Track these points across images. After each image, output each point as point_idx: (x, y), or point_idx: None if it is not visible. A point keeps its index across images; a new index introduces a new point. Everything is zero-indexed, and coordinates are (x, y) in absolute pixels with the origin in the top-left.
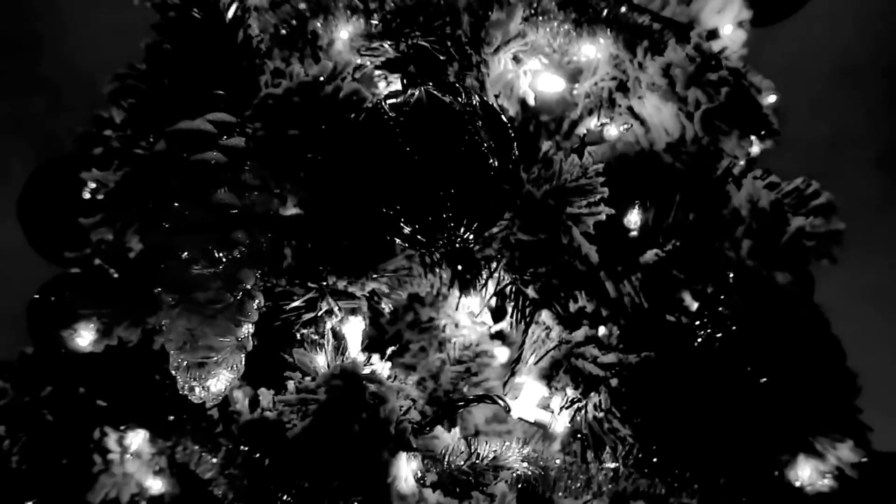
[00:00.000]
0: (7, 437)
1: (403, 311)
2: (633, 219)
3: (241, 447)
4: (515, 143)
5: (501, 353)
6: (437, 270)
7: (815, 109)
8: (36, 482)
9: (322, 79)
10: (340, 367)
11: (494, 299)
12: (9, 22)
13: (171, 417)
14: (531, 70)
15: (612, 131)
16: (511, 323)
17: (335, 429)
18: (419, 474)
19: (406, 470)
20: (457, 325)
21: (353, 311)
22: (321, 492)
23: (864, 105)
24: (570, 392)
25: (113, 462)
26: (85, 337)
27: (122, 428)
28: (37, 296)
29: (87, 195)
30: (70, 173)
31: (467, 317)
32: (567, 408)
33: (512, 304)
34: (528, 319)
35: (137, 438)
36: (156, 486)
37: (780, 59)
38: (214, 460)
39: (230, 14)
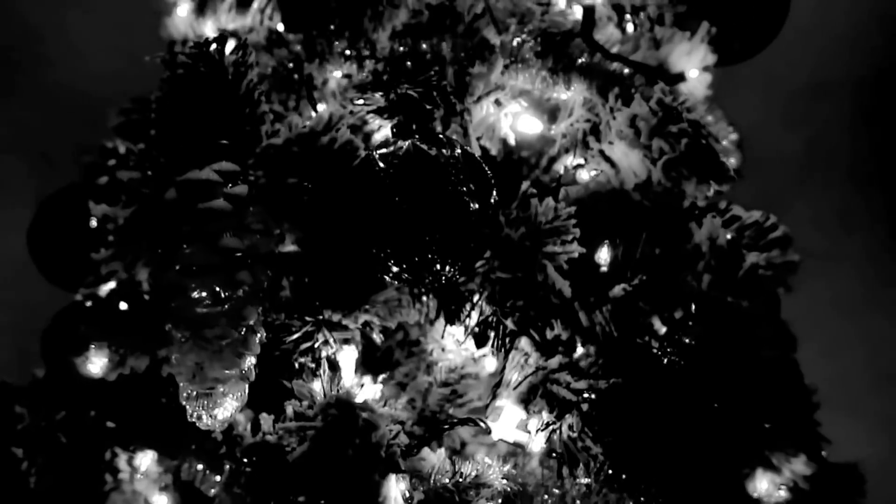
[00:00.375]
0: (25, 458)
1: (394, 332)
2: (604, 255)
3: (244, 467)
4: (494, 190)
5: (487, 367)
6: (425, 300)
7: (789, 125)
8: (52, 501)
9: (318, 129)
10: (336, 398)
11: (477, 328)
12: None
13: (177, 439)
14: (511, 112)
15: (584, 175)
16: (492, 351)
17: (331, 453)
18: (407, 494)
19: (395, 490)
20: (443, 350)
21: (347, 341)
22: None
23: (836, 120)
24: (546, 415)
25: (123, 481)
26: (96, 363)
27: (131, 448)
28: (51, 323)
29: (94, 224)
30: (77, 203)
31: (453, 343)
32: (543, 430)
33: (493, 333)
34: (507, 347)
35: (146, 459)
36: (161, 502)
37: (756, 77)
38: (218, 478)
39: (232, 70)
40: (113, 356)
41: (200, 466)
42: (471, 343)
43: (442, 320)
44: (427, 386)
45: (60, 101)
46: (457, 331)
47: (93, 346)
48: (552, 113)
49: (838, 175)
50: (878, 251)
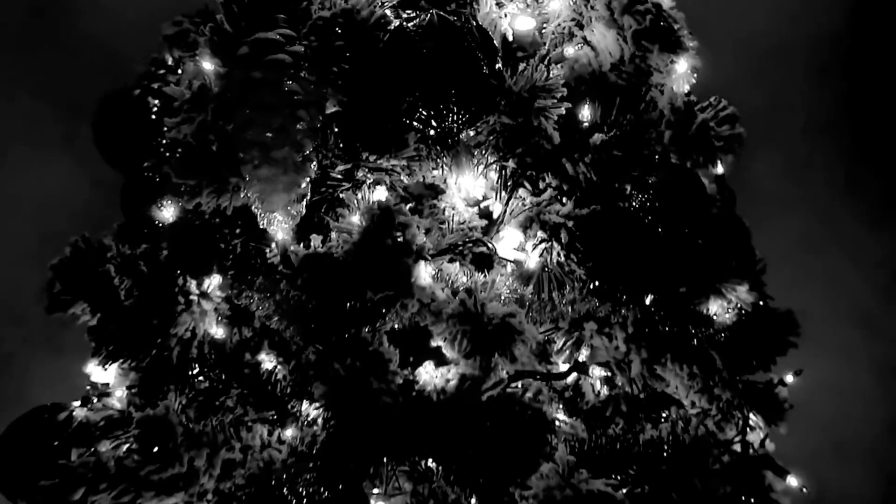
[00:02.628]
0: (116, 275)
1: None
2: (585, 113)
3: (298, 281)
4: (499, 55)
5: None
6: (442, 158)
7: (753, 81)
8: (138, 316)
9: (358, 7)
10: (378, 202)
11: (483, 180)
12: None
13: (239, 269)
14: (510, 13)
15: (569, 50)
16: (496, 196)
17: (374, 244)
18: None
19: (424, 273)
20: (454, 209)
21: (378, 183)
22: (361, 291)
23: (794, 78)
24: (540, 234)
25: (192, 302)
26: (168, 211)
27: (199, 276)
28: (127, 181)
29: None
30: (132, 101)
31: (462, 202)
32: (538, 245)
33: (497, 176)
34: (509, 192)
35: (213, 282)
36: (219, 332)
37: (722, 38)
38: (270, 300)
39: None
40: (186, 195)
41: (257, 291)
42: (478, 192)
43: (454, 174)
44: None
45: (87, 52)
46: (467, 184)
47: (166, 196)
48: (542, 21)
49: (797, 125)
50: (836, 194)
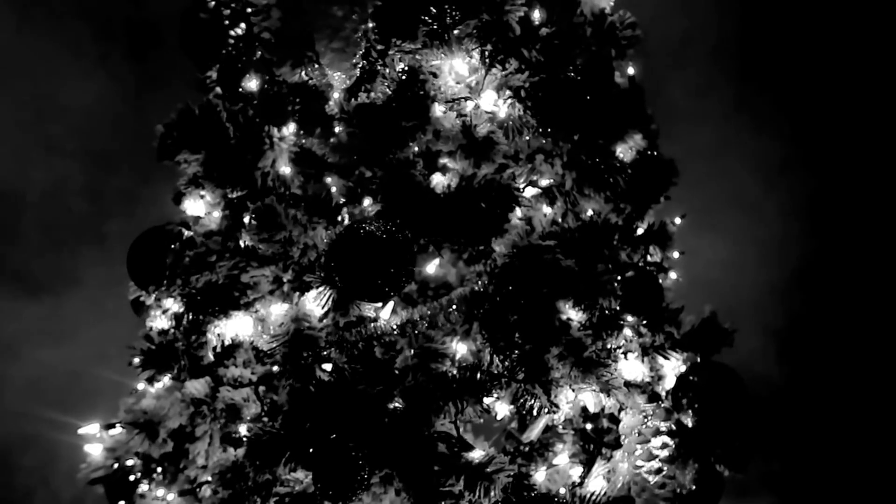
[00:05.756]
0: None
1: None
2: (536, 15)
3: (349, 127)
4: None
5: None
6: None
7: (673, 14)
8: (237, 152)
9: None
10: (406, 66)
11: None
12: None
13: (302, 121)
14: None
15: None
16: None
17: (404, 92)
18: None
19: (437, 109)
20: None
21: (401, 60)
22: (396, 123)
23: (704, 6)
24: (508, 93)
25: (274, 143)
26: (253, 82)
27: (279, 125)
28: (221, 65)
29: None
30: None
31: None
32: (506, 101)
33: (479, 60)
34: (487, 68)
35: (289, 129)
36: (287, 170)
37: None
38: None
39: None
40: (275, 69)
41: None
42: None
43: (448, 59)
44: None
45: None
46: (456, 65)
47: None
48: None
49: (707, 50)
50: (731, 108)
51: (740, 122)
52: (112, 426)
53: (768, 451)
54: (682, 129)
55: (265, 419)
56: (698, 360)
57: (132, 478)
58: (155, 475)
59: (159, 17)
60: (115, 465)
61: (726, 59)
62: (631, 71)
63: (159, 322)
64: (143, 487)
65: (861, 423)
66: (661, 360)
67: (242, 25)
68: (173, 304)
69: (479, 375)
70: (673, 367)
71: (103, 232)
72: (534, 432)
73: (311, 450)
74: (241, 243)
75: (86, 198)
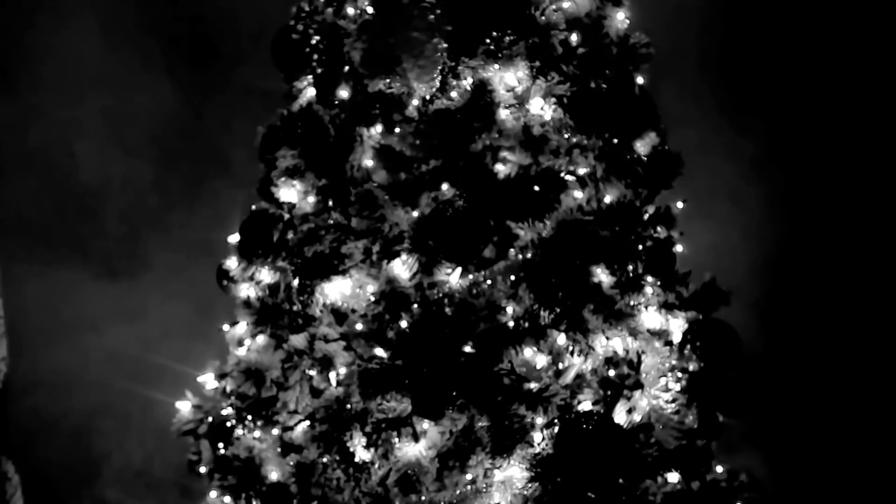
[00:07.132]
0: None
1: None
2: (573, 37)
3: (427, 127)
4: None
5: None
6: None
7: (664, 30)
8: (334, 148)
9: None
10: (476, 79)
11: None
12: None
13: (385, 121)
14: None
15: (564, 3)
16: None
17: (476, 100)
18: None
19: (502, 113)
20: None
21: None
22: (468, 124)
23: (688, 25)
24: (552, 100)
25: (363, 140)
26: (345, 92)
27: (368, 126)
28: (318, 75)
29: None
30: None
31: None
32: (551, 106)
33: (528, 74)
34: (533, 80)
35: (375, 130)
36: (370, 163)
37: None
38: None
39: None
40: (367, 80)
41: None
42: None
43: (500, 73)
44: None
45: None
46: (507, 78)
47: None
48: None
49: (692, 63)
50: (719, 112)
51: (722, 124)
52: (225, 375)
53: (754, 408)
54: (671, 131)
55: (372, 356)
56: (700, 317)
57: (228, 424)
58: (247, 422)
59: (216, 33)
60: (210, 418)
61: (709, 70)
62: (640, 80)
63: (251, 291)
64: (238, 432)
65: (836, 387)
66: (672, 314)
67: (330, 44)
68: (268, 275)
69: (529, 325)
70: (679, 324)
71: (168, 222)
72: (568, 377)
73: (406, 381)
74: (335, 221)
75: (154, 192)
